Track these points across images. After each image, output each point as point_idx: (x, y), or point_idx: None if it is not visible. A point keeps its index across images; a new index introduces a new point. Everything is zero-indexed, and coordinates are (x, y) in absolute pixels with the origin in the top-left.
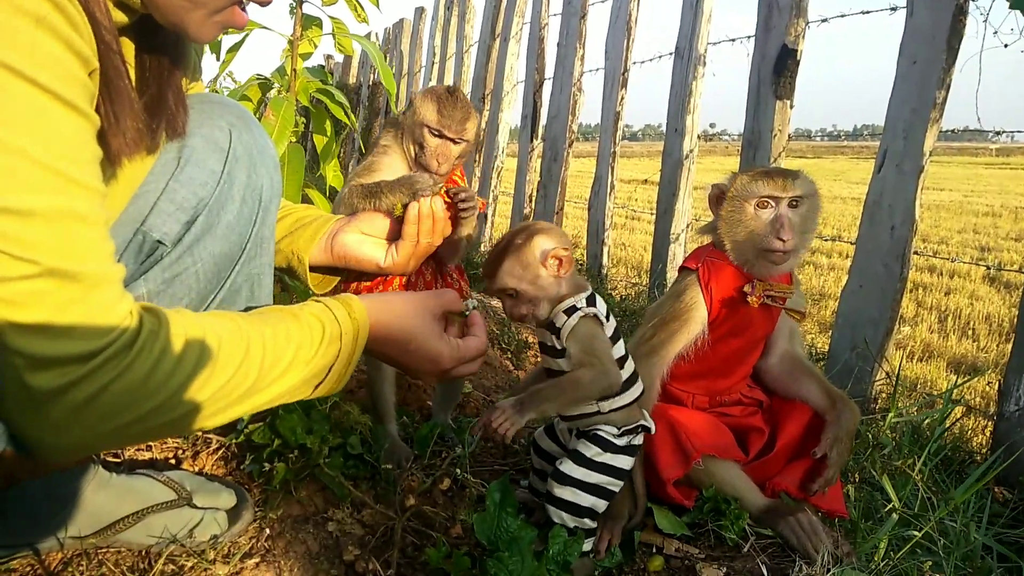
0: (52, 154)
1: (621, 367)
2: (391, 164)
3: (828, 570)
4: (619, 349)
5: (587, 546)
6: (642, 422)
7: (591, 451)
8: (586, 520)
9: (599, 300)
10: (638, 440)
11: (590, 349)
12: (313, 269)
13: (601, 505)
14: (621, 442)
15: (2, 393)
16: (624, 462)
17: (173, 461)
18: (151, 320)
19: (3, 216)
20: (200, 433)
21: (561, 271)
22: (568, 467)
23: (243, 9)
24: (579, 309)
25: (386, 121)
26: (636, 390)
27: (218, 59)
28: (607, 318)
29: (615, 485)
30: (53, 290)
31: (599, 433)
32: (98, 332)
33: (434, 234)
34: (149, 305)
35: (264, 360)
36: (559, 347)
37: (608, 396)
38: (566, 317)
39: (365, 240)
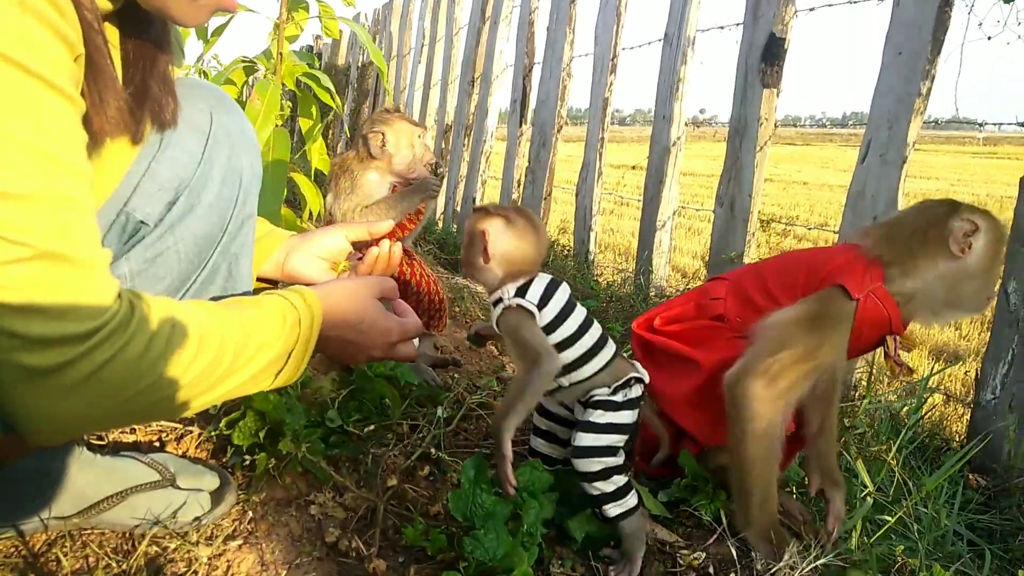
0: (43, 139)
1: (572, 345)
2: (372, 178)
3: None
4: (565, 330)
5: (631, 500)
6: (632, 374)
7: (595, 415)
8: (615, 478)
9: (536, 286)
10: (635, 392)
11: (517, 340)
12: (262, 281)
13: (614, 462)
14: (618, 398)
15: None
16: (626, 417)
17: (157, 444)
18: (140, 304)
19: None
20: (181, 418)
21: (486, 259)
22: (580, 439)
23: None
24: (503, 301)
25: (339, 158)
26: (602, 358)
27: (204, 41)
28: (545, 303)
29: (620, 440)
30: (47, 272)
31: (595, 397)
32: (93, 312)
33: (386, 271)
34: (135, 291)
35: (236, 342)
36: None
37: (567, 371)
38: (494, 308)
39: (315, 261)
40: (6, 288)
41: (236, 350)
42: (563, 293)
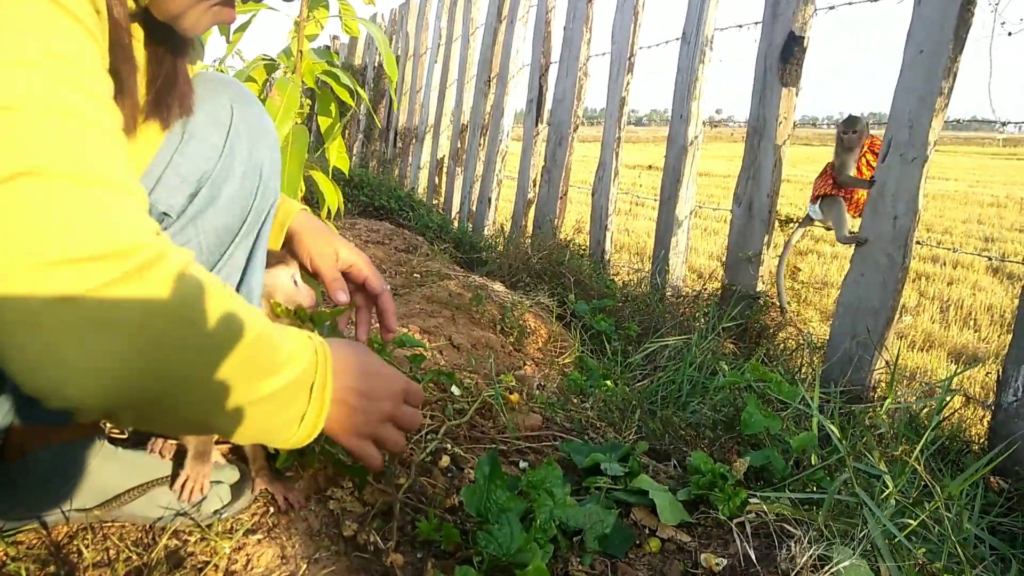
0: (81, 67)
1: None
2: None
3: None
4: None
5: None
6: None
7: None
8: None
9: None
10: None
11: None
12: None
13: None
14: None
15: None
16: None
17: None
18: (185, 254)
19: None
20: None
21: None
22: None
23: (233, 7)
24: None
25: None
26: None
27: (227, 40)
28: None
29: None
30: (92, 193)
31: None
32: (138, 228)
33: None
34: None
35: (267, 339)
36: None
37: None
38: None
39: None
40: (46, 206)
41: (271, 348)
42: None
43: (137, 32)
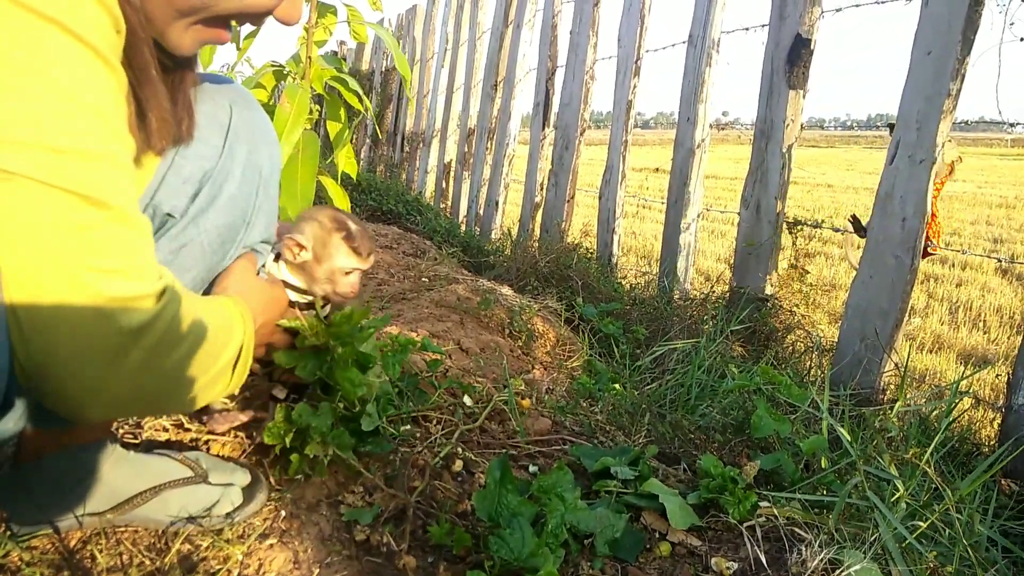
0: (102, 102)
1: None
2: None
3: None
4: None
5: None
6: None
7: None
8: None
9: None
10: None
11: None
12: None
13: None
14: None
15: (54, 360)
16: None
17: (191, 444)
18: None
19: (68, 156)
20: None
21: None
22: None
23: (228, 29)
24: None
25: None
26: None
27: (237, 47)
28: None
29: None
30: (123, 231)
31: None
32: (155, 272)
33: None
34: None
35: (220, 324)
36: None
37: None
38: None
39: None
40: (90, 246)
41: (220, 336)
42: None
43: None
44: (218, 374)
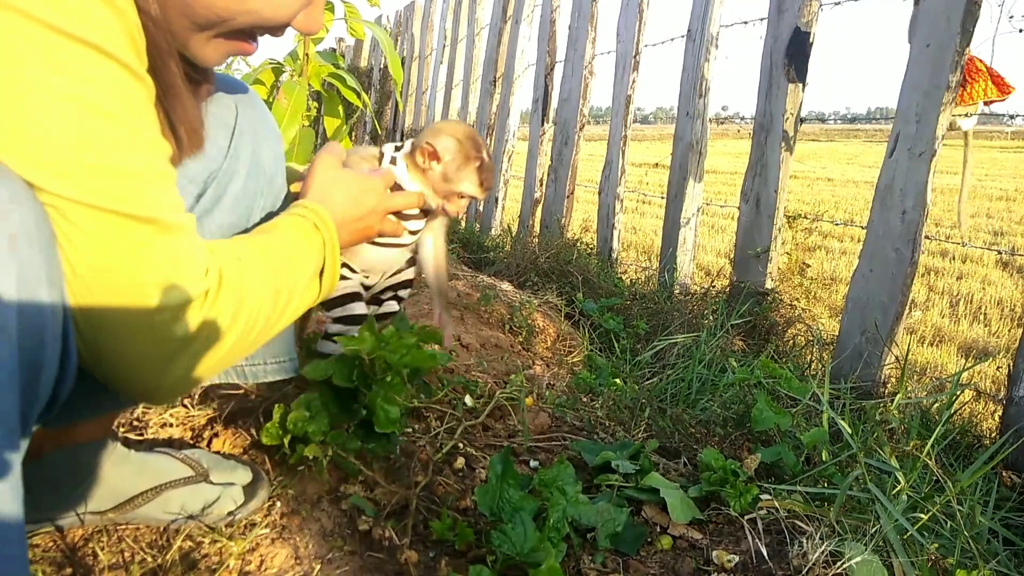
0: (137, 116)
1: None
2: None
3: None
4: None
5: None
6: None
7: None
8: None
9: None
10: None
11: None
12: None
13: None
14: None
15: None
16: None
17: (191, 441)
18: (217, 255)
19: (115, 178)
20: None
21: None
22: None
23: (252, 41)
24: None
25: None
26: None
27: None
28: None
29: None
30: (172, 240)
31: None
32: (202, 270)
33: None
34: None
35: (287, 260)
36: None
37: None
38: None
39: None
40: (141, 262)
41: (288, 268)
42: None
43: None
44: (298, 299)
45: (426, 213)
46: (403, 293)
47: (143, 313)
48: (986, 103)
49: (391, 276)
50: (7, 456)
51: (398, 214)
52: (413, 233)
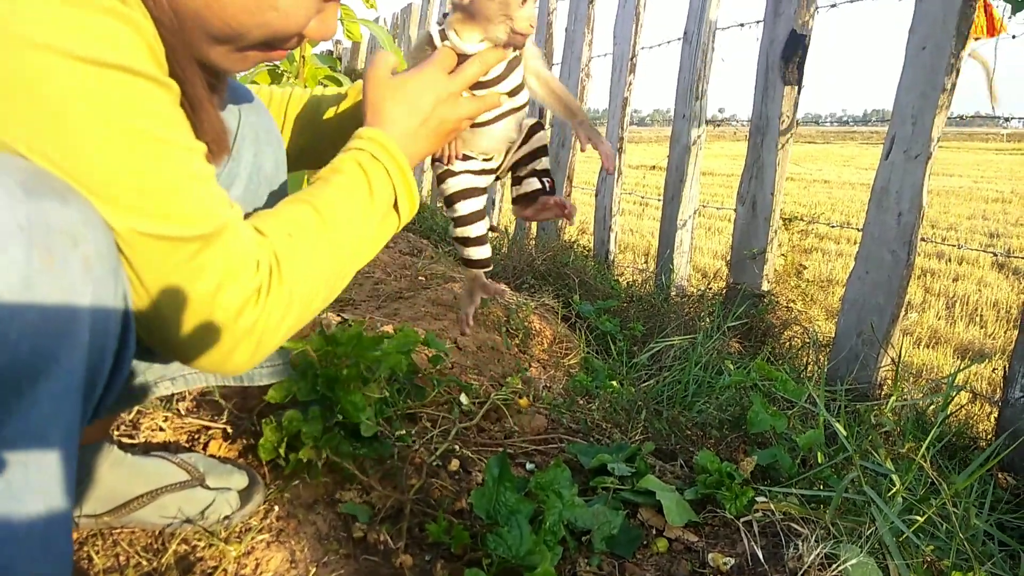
0: (176, 133)
1: None
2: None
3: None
4: None
5: None
6: None
7: None
8: None
9: None
10: None
11: None
12: None
13: None
14: None
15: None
16: None
17: (187, 445)
18: (266, 235)
19: (160, 204)
20: (215, 417)
21: None
22: None
23: (280, 48)
24: None
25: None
26: None
27: None
28: None
29: None
30: (222, 245)
31: None
32: (253, 263)
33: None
34: (255, 224)
35: (350, 207)
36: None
37: None
38: None
39: None
40: (194, 274)
41: (349, 221)
42: None
43: None
44: (371, 240)
45: (510, 68)
46: (541, 164)
47: (201, 317)
48: (975, 39)
49: (517, 150)
50: (68, 460)
51: (478, 87)
52: (513, 94)
